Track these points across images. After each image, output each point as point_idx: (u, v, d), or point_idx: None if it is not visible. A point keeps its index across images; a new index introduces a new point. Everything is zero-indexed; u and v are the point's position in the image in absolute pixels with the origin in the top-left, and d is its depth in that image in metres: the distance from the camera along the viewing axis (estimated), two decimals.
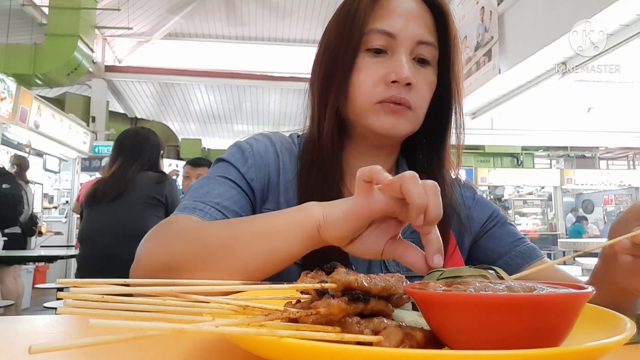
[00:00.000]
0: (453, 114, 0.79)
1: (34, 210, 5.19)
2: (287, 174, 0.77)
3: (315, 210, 0.53)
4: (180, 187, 3.64)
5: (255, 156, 0.76)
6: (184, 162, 3.90)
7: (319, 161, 0.74)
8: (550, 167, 12.33)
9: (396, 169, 0.83)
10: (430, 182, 0.48)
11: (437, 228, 0.50)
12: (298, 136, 0.84)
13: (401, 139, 0.77)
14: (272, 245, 0.54)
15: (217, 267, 0.55)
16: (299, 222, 0.54)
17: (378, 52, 0.72)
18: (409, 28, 0.71)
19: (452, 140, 0.81)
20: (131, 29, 9.05)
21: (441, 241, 0.51)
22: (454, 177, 0.84)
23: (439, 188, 0.49)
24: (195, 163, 3.46)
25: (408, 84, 0.69)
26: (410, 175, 0.47)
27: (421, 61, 0.73)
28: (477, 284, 0.37)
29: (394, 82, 0.69)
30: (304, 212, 0.54)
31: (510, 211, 11.60)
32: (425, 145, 0.82)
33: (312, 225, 0.53)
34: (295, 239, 0.54)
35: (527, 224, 11.57)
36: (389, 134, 0.72)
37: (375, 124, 0.71)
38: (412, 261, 0.51)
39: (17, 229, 4.68)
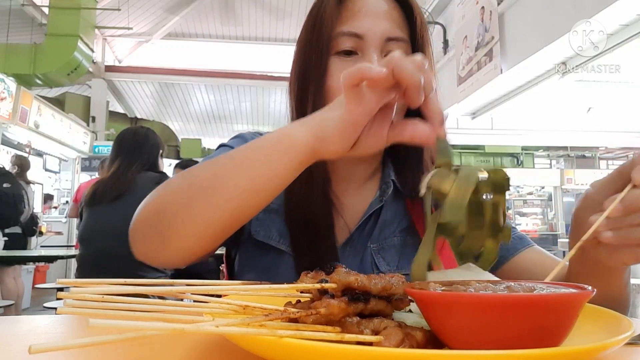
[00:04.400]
0: None
1: (34, 211, 5.19)
2: None
3: (301, 135, 0.51)
4: None
5: None
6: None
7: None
8: (550, 167, 12.31)
9: (382, 169, 0.82)
10: (418, 57, 0.47)
11: (436, 98, 0.50)
12: None
13: None
14: (259, 179, 0.52)
15: (202, 206, 0.53)
16: (285, 151, 0.51)
17: (349, 53, 0.71)
18: (376, 26, 0.70)
19: None
20: (131, 29, 9.04)
21: (442, 110, 0.51)
22: None
23: (425, 59, 0.48)
24: (187, 166, 3.50)
25: None
26: (398, 57, 0.46)
27: None
28: (477, 284, 0.37)
29: None
30: (288, 139, 0.52)
31: (510, 211, 11.59)
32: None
33: (302, 151, 0.51)
34: (284, 169, 0.52)
35: (527, 224, 11.56)
36: None
37: None
38: (419, 134, 0.51)
39: (17, 229, 4.68)
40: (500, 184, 0.50)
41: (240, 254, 0.79)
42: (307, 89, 0.74)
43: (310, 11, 0.77)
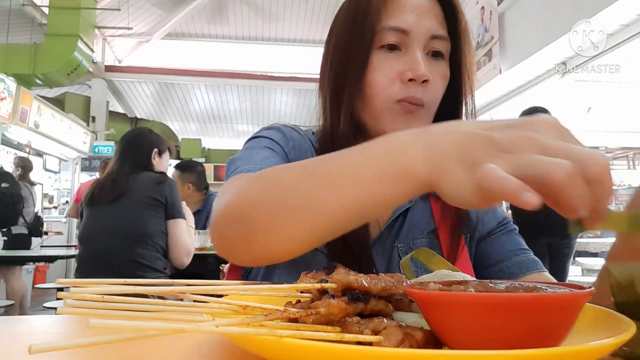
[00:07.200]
0: (464, 108, 0.77)
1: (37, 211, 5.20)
2: None
3: (419, 169, 0.40)
4: None
5: (295, 140, 0.76)
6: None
7: None
8: None
9: None
10: (598, 169, 0.34)
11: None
12: (313, 133, 0.82)
13: None
14: (364, 197, 0.44)
15: (290, 225, 0.48)
16: (400, 180, 0.42)
17: (392, 48, 0.70)
18: (422, 23, 0.70)
19: None
20: (131, 29, 9.04)
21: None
22: None
23: (608, 166, 0.36)
24: (187, 167, 3.50)
25: (425, 81, 0.68)
26: (566, 175, 0.33)
27: (435, 54, 0.72)
28: (477, 284, 0.37)
29: (410, 79, 0.68)
30: (403, 166, 0.41)
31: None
32: None
33: (418, 185, 0.41)
34: (397, 194, 0.43)
35: None
36: None
37: (389, 128, 0.69)
38: None
39: (23, 229, 4.68)
40: None
41: None
42: (344, 83, 0.72)
43: (349, 4, 0.75)
